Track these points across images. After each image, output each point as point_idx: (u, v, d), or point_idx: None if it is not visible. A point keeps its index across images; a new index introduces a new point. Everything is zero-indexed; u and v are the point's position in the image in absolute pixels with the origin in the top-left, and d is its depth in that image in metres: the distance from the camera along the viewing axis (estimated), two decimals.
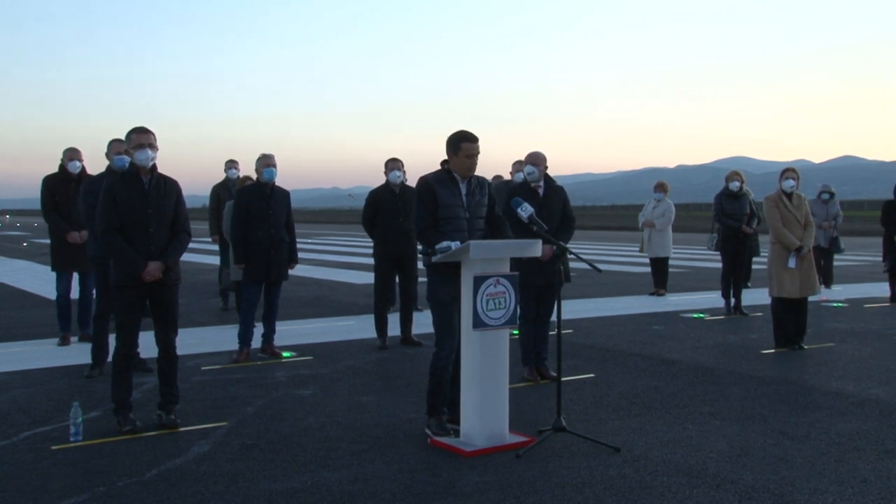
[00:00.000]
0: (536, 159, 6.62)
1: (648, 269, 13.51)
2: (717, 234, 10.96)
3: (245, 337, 7.66)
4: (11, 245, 31.37)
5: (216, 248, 11.30)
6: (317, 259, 22.20)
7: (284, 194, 7.79)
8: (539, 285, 6.61)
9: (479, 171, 5.36)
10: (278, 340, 8.14)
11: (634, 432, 5.18)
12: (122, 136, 5.59)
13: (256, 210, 7.55)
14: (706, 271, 16.93)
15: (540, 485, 4.22)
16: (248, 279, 7.64)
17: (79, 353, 7.83)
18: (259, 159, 7.71)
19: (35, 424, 5.43)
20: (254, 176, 8.04)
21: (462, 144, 5.18)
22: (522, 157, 6.98)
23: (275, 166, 7.70)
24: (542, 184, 6.65)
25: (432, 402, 5.21)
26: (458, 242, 4.90)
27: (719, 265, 10.98)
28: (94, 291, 7.47)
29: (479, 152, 5.22)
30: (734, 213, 10.55)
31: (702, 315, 10.51)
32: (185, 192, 5.65)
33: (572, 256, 5.49)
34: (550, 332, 6.85)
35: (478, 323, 4.77)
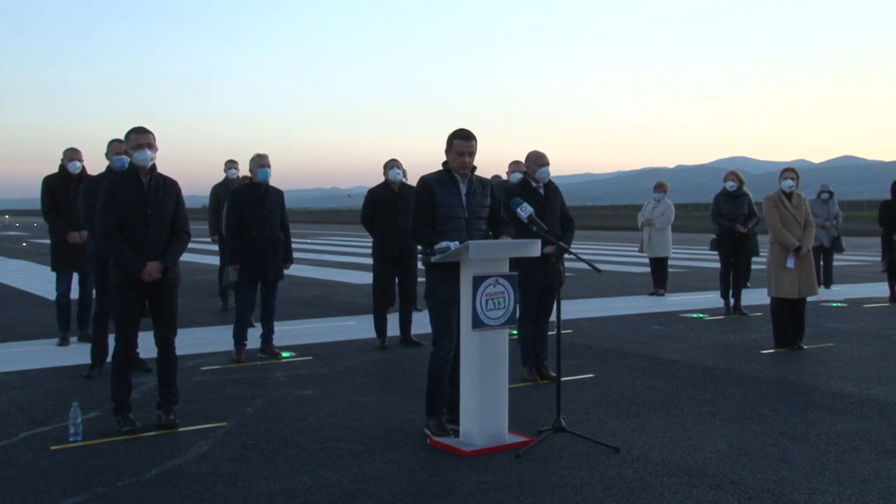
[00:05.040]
0: (544, 160, 6.63)
1: (648, 269, 13.51)
2: (715, 233, 10.97)
3: (239, 337, 7.67)
4: (11, 245, 31.37)
5: (216, 248, 11.30)
6: (316, 259, 22.20)
7: (279, 194, 7.80)
8: (539, 286, 6.62)
9: (479, 171, 5.37)
10: (278, 340, 8.14)
11: (634, 432, 5.18)
12: (122, 137, 5.59)
13: (252, 210, 7.55)
14: (706, 271, 16.93)
15: (540, 485, 4.22)
16: (245, 278, 7.64)
17: (79, 353, 7.83)
18: (253, 159, 7.71)
19: (35, 424, 5.43)
20: None
21: (454, 142, 5.19)
22: (520, 157, 6.99)
23: (269, 166, 7.70)
24: (542, 183, 6.68)
25: (431, 402, 5.21)
26: (457, 242, 4.90)
27: (719, 265, 10.98)
28: (94, 291, 7.48)
29: (471, 151, 5.18)
30: (730, 213, 10.55)
31: (701, 315, 10.51)
32: (185, 192, 5.65)
33: (571, 257, 5.49)
34: (550, 332, 6.86)
35: (477, 323, 4.77)
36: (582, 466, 4.50)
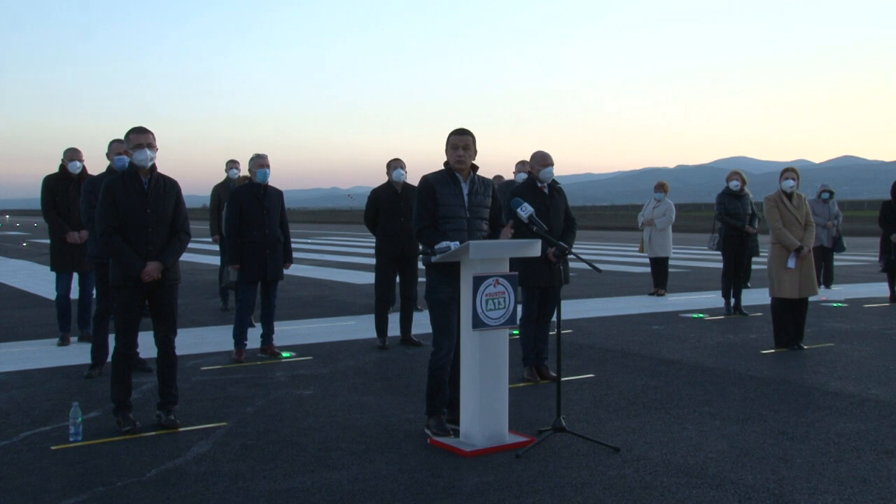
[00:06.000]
0: (548, 160, 6.65)
1: (648, 269, 13.51)
2: (718, 233, 10.97)
3: (239, 337, 7.67)
4: (11, 245, 31.38)
5: (216, 248, 11.31)
6: (317, 259, 22.20)
7: (278, 194, 7.80)
8: (541, 286, 6.62)
9: (480, 171, 5.38)
10: (278, 340, 8.14)
11: (634, 432, 5.18)
12: (123, 137, 5.59)
13: (251, 211, 7.56)
14: (706, 271, 16.93)
15: (540, 485, 4.22)
16: (245, 279, 7.65)
17: (79, 353, 7.83)
18: (252, 160, 7.71)
19: (35, 424, 5.43)
20: None
21: (449, 138, 5.25)
22: (522, 157, 7.00)
23: (268, 167, 7.71)
24: (546, 183, 6.70)
25: (432, 402, 5.21)
26: (457, 242, 4.90)
27: (719, 265, 10.98)
28: (94, 291, 7.48)
29: (465, 145, 5.20)
30: (737, 212, 10.55)
31: (701, 315, 10.51)
32: (185, 192, 5.64)
33: (572, 257, 5.49)
34: (550, 332, 6.86)
35: (477, 323, 4.77)
36: (582, 466, 4.50)
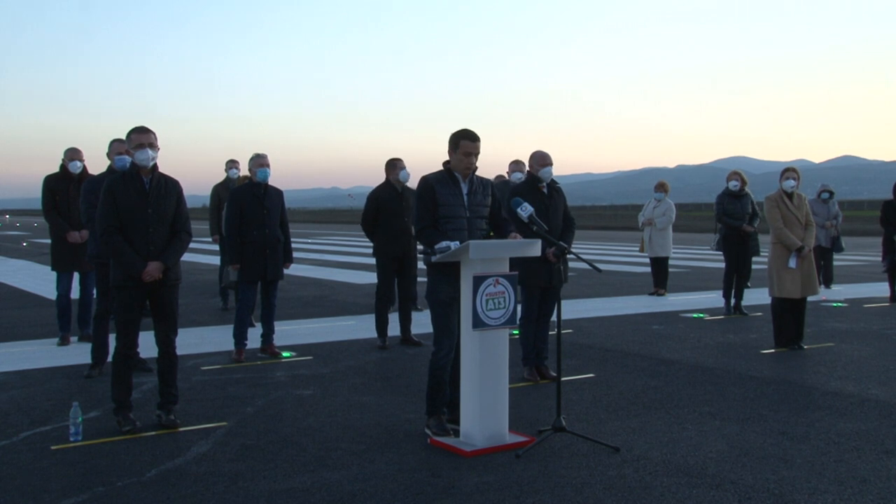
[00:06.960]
0: (547, 160, 6.65)
1: (648, 269, 13.51)
2: (719, 233, 10.97)
3: (239, 337, 7.67)
4: (11, 245, 31.37)
5: (216, 247, 11.31)
6: (317, 259, 22.20)
7: (278, 193, 7.80)
8: (542, 286, 6.63)
9: (480, 171, 5.38)
10: (278, 340, 8.14)
11: (634, 432, 5.18)
12: (123, 136, 5.59)
13: (251, 210, 7.55)
14: (706, 271, 16.93)
15: (540, 485, 4.22)
16: (245, 278, 7.64)
17: (79, 353, 7.83)
18: (252, 159, 7.71)
19: (35, 424, 5.44)
20: None
21: (461, 142, 5.20)
22: (520, 157, 7.00)
23: (268, 166, 7.70)
24: (545, 183, 6.70)
25: (432, 401, 5.21)
26: (457, 242, 4.91)
27: (719, 265, 10.98)
28: (95, 291, 7.48)
29: (478, 152, 5.22)
30: (736, 212, 10.54)
31: (702, 315, 10.51)
32: (185, 192, 5.64)
33: (572, 257, 5.50)
34: (550, 332, 6.86)
35: (477, 323, 4.77)
36: (582, 466, 4.51)
